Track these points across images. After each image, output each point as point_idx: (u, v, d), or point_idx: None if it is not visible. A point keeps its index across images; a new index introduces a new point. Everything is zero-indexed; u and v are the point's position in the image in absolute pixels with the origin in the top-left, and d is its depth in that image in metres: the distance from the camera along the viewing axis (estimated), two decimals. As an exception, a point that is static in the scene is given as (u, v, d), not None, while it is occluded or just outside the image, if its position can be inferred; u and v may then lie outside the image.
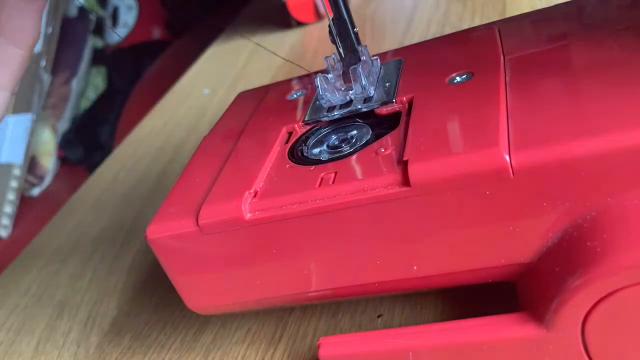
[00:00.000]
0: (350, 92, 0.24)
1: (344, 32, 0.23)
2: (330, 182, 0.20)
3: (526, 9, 0.29)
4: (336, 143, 0.22)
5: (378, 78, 0.24)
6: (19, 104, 0.66)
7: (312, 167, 0.21)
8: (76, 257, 0.38)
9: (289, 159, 0.22)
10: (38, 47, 0.69)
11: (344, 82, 0.24)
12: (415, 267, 0.20)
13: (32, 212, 0.63)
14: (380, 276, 0.21)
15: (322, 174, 0.20)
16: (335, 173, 0.20)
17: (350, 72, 0.23)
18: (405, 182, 0.18)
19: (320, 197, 0.19)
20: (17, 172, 0.63)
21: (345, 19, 0.23)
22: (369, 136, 0.22)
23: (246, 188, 0.21)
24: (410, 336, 0.20)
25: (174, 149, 0.47)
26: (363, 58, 0.24)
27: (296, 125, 0.24)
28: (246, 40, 0.62)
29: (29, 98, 0.66)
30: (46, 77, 0.69)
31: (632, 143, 0.16)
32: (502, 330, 0.19)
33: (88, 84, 0.76)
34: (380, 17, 0.54)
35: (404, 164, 0.19)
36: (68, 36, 0.72)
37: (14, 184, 0.63)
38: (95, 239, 0.40)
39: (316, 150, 0.22)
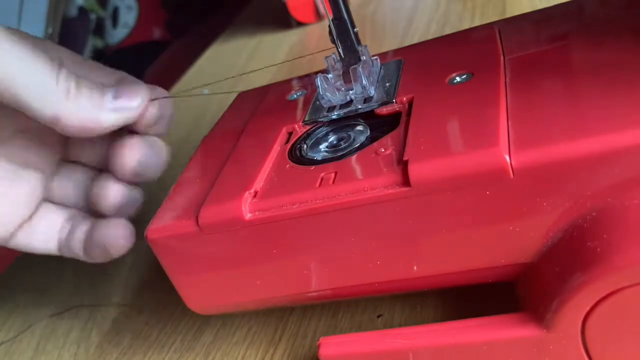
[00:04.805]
0: (351, 92, 0.24)
1: (344, 32, 0.23)
2: (330, 182, 0.20)
3: (526, 9, 0.29)
4: (336, 143, 0.22)
5: (378, 78, 0.24)
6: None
7: (312, 167, 0.21)
8: (76, 257, 0.38)
9: (289, 159, 0.22)
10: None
11: (344, 82, 0.24)
12: (415, 267, 0.20)
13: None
14: (380, 276, 0.21)
15: (322, 174, 0.20)
16: (335, 173, 0.20)
17: (350, 72, 0.23)
18: (405, 182, 0.18)
19: (320, 197, 0.19)
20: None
21: (345, 19, 0.23)
22: (369, 136, 0.22)
23: (246, 188, 0.21)
24: (410, 336, 0.20)
25: (174, 148, 0.47)
26: (363, 58, 0.24)
27: (296, 125, 0.24)
28: (246, 40, 0.62)
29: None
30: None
31: (632, 143, 0.16)
32: (502, 330, 0.19)
33: (88, 84, 0.75)
34: (380, 17, 0.54)
35: (404, 164, 0.18)
36: (68, 36, 0.72)
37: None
38: (95, 239, 0.40)
39: (316, 150, 0.22)
